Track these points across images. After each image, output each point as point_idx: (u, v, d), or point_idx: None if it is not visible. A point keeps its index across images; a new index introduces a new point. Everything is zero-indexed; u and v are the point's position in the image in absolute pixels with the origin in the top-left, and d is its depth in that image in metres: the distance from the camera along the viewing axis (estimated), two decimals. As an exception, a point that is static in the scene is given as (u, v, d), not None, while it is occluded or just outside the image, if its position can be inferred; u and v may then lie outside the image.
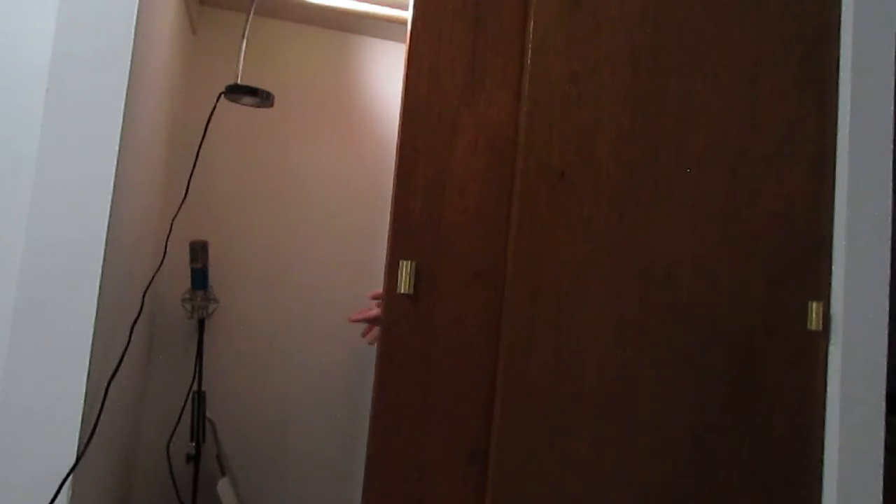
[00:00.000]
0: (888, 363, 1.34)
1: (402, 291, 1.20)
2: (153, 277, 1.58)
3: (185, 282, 2.07)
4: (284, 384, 2.15)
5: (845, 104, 1.38)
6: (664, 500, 1.27)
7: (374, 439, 1.20)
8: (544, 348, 1.25)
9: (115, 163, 1.17)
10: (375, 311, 1.64)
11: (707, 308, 1.31)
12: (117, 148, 1.17)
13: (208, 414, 1.98)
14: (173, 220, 1.62)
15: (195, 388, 1.98)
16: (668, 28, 1.33)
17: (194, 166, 1.66)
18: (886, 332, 1.35)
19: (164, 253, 1.55)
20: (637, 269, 1.29)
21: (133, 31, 1.19)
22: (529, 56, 1.28)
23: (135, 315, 1.37)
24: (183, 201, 1.64)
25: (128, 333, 1.33)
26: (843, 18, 1.41)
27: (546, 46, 1.29)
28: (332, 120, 2.16)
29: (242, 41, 1.89)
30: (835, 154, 1.39)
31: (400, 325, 1.20)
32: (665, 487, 1.27)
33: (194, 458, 1.93)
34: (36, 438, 1.10)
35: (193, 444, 1.93)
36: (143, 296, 1.44)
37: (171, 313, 2.08)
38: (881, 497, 1.31)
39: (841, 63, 1.40)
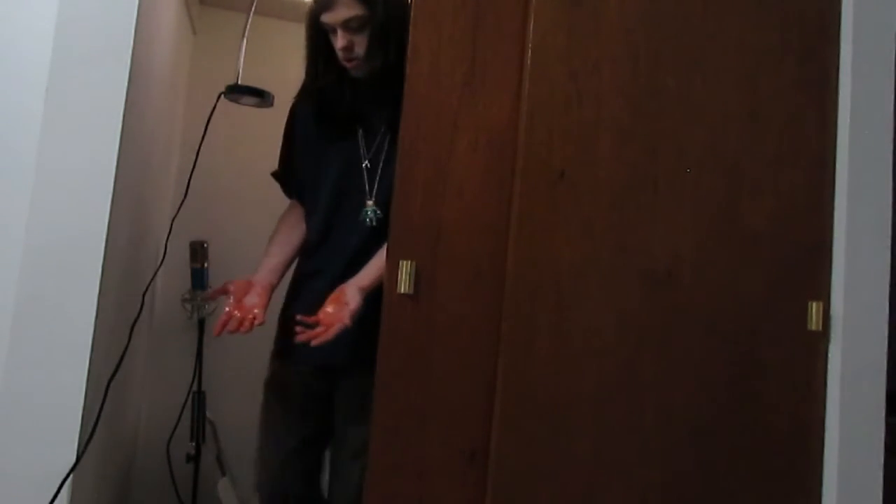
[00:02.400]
0: (888, 363, 1.34)
1: (402, 291, 1.19)
2: (153, 277, 1.58)
3: (185, 282, 2.07)
4: (284, 384, 2.15)
5: (845, 104, 1.38)
6: (664, 499, 1.27)
7: (374, 439, 1.20)
8: (544, 348, 1.25)
9: (114, 163, 1.16)
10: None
11: (707, 308, 1.31)
12: (117, 148, 1.17)
13: (208, 414, 1.98)
14: (173, 220, 1.61)
15: (195, 388, 1.98)
16: (668, 28, 1.33)
17: (194, 166, 1.66)
18: (886, 332, 1.35)
19: (164, 253, 1.55)
20: (637, 268, 1.29)
21: (133, 31, 1.19)
22: (529, 56, 1.28)
23: (135, 315, 1.37)
24: (183, 201, 1.64)
25: (128, 333, 1.33)
26: (843, 18, 1.41)
27: (546, 46, 1.28)
28: (332, 120, 2.16)
29: (242, 41, 1.89)
30: (835, 154, 1.39)
31: (400, 325, 1.20)
32: (665, 487, 1.27)
33: (194, 458, 1.93)
34: (36, 438, 1.10)
35: (193, 444, 1.93)
36: (143, 296, 1.44)
37: (171, 313, 2.08)
38: (881, 497, 1.31)
39: (841, 63, 1.40)
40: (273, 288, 1.41)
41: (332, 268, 1.38)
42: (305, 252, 1.47)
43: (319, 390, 1.44)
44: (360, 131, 1.40)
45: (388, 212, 1.32)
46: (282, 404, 1.47)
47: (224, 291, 1.32)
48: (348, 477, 1.41)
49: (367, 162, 1.38)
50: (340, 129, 1.41)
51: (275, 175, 1.56)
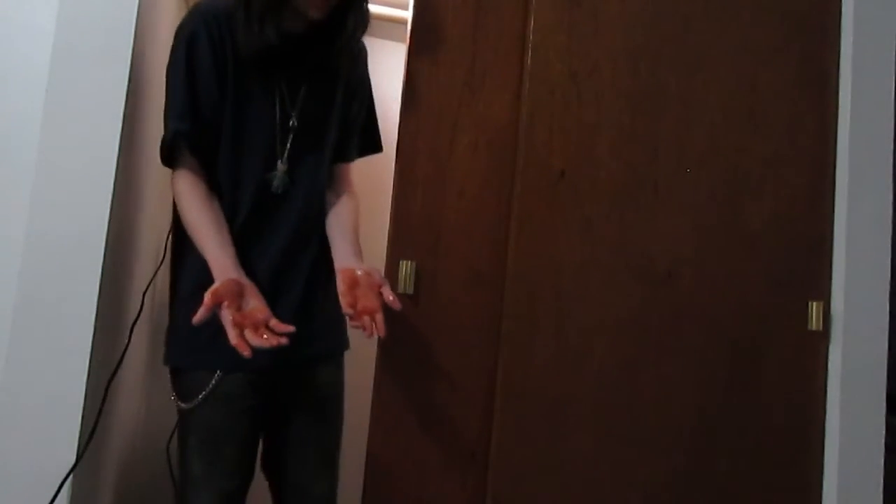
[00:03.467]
0: (888, 363, 1.34)
1: (403, 292, 1.19)
2: (153, 277, 1.58)
3: (185, 282, 2.06)
4: (284, 384, 2.14)
5: (845, 104, 1.38)
6: (664, 498, 1.27)
7: (374, 439, 1.20)
8: (544, 348, 1.25)
9: (115, 163, 1.16)
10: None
11: (707, 308, 1.31)
12: (117, 148, 1.17)
13: (208, 414, 1.98)
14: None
15: (195, 388, 1.97)
16: (669, 28, 1.33)
17: (194, 166, 1.65)
18: (886, 332, 1.35)
19: (164, 253, 1.55)
20: (637, 269, 1.29)
21: (133, 31, 1.19)
22: (529, 56, 1.28)
23: (135, 315, 1.37)
24: (183, 201, 1.64)
25: (128, 333, 1.33)
26: (843, 18, 1.41)
27: (546, 46, 1.28)
28: (332, 120, 2.15)
29: (242, 41, 1.88)
30: (835, 154, 1.39)
31: (400, 324, 1.20)
32: (665, 487, 1.27)
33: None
34: (36, 438, 1.10)
35: (193, 444, 1.92)
36: (143, 296, 1.43)
37: (171, 313, 2.08)
38: (881, 497, 1.31)
39: (841, 63, 1.40)
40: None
41: (271, 250, 1.19)
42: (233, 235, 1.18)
43: (263, 402, 1.20)
44: (282, 85, 1.19)
45: (298, 179, 1.19)
46: (231, 427, 1.18)
47: (217, 302, 1.04)
48: (321, 488, 1.21)
49: (293, 121, 1.19)
50: (262, 81, 1.18)
51: (179, 133, 1.17)
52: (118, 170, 1.18)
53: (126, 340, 1.33)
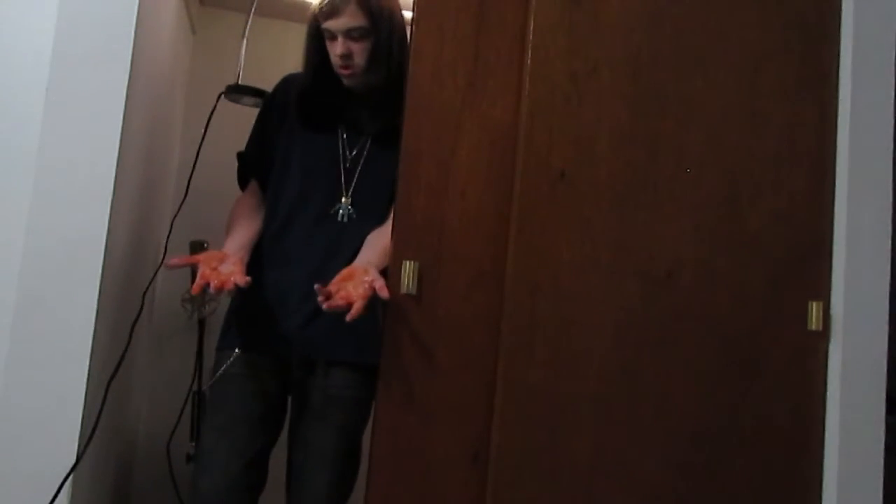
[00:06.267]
0: (888, 363, 1.34)
1: (406, 292, 1.19)
2: (153, 277, 1.58)
3: (185, 282, 2.06)
4: (284, 384, 2.14)
5: (845, 104, 1.38)
6: (664, 499, 1.27)
7: (377, 438, 1.20)
8: (544, 348, 1.25)
9: (115, 163, 1.17)
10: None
11: (707, 308, 1.31)
12: (117, 148, 1.17)
13: (208, 414, 1.98)
14: (173, 220, 1.61)
15: (195, 388, 1.98)
16: (668, 28, 1.33)
17: (194, 166, 1.65)
18: (886, 332, 1.35)
19: (164, 253, 1.55)
20: (637, 269, 1.29)
21: (133, 31, 1.19)
22: (529, 56, 1.28)
23: (135, 315, 1.37)
24: (183, 201, 1.64)
25: (128, 333, 1.33)
26: (843, 18, 1.41)
27: (546, 46, 1.28)
28: (332, 120, 2.15)
29: (242, 41, 1.89)
30: (835, 154, 1.39)
31: (403, 324, 1.20)
32: (665, 487, 1.27)
33: (194, 458, 1.93)
34: (36, 438, 1.10)
35: (193, 444, 1.93)
36: (143, 296, 1.44)
37: (171, 313, 2.08)
38: (881, 497, 1.31)
39: (841, 63, 1.40)
40: (245, 263, 1.32)
41: (308, 259, 1.35)
42: (267, 240, 1.41)
43: (281, 389, 1.38)
44: (342, 132, 1.42)
45: (362, 212, 1.38)
46: (241, 405, 1.34)
47: (194, 260, 1.22)
48: (314, 486, 1.33)
49: (347, 163, 1.41)
50: (322, 126, 1.43)
51: (243, 154, 1.50)
52: (118, 170, 1.18)
53: (126, 340, 1.33)
